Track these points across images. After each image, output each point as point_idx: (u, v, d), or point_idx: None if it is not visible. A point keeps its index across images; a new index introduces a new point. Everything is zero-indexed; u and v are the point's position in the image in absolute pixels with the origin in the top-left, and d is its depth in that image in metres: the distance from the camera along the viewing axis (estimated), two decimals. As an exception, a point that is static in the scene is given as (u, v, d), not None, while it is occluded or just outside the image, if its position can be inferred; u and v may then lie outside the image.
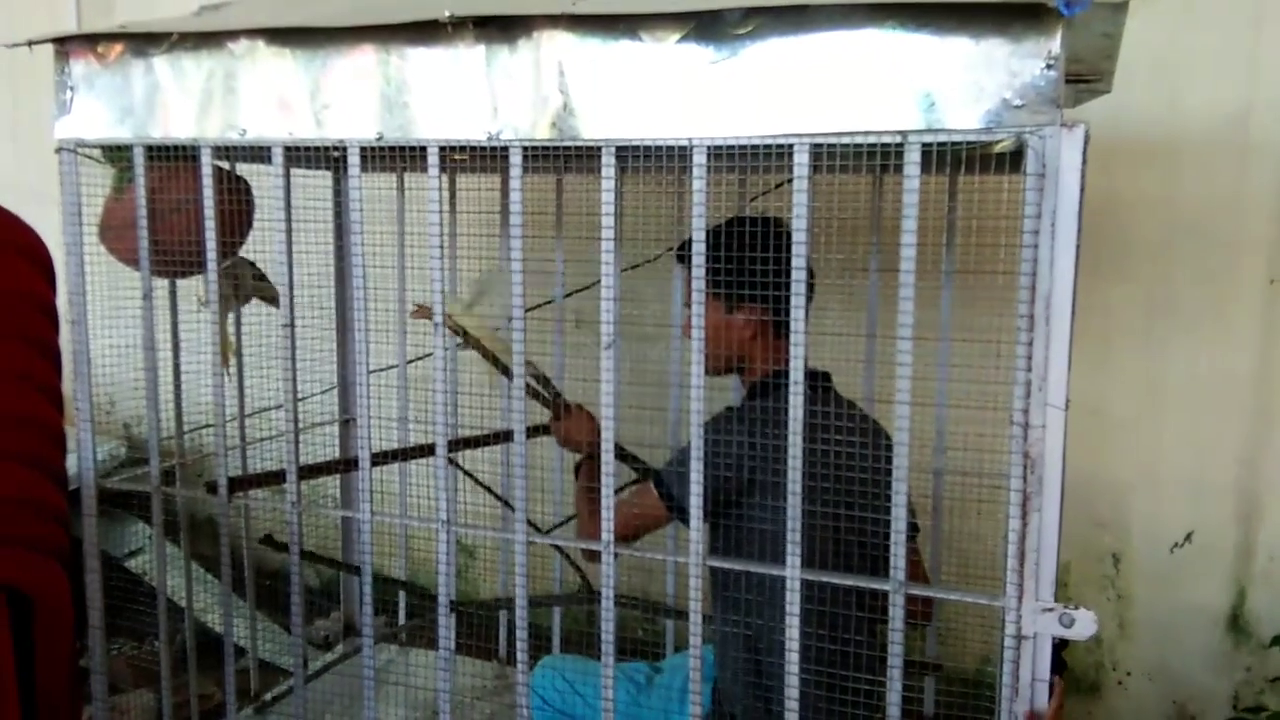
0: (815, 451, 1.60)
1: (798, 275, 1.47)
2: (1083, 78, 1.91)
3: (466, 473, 2.38)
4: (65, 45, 1.85)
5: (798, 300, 1.48)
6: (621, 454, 2.05)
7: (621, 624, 1.69)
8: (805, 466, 1.53)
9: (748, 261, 1.63)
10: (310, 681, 2.56)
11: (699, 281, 1.54)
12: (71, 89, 1.85)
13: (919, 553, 1.90)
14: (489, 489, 2.43)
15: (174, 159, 1.84)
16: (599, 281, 1.61)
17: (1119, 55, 1.79)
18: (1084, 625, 1.40)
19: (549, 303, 2.47)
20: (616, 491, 1.73)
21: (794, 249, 1.46)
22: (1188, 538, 2.74)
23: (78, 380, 1.96)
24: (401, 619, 2.88)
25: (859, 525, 1.62)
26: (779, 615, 1.61)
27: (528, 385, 1.82)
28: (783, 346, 1.66)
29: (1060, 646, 1.46)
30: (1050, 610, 1.41)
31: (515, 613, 1.77)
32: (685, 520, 1.64)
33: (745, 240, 1.63)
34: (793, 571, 1.53)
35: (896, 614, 1.49)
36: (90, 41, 1.83)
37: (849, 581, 1.55)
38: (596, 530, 1.69)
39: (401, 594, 2.84)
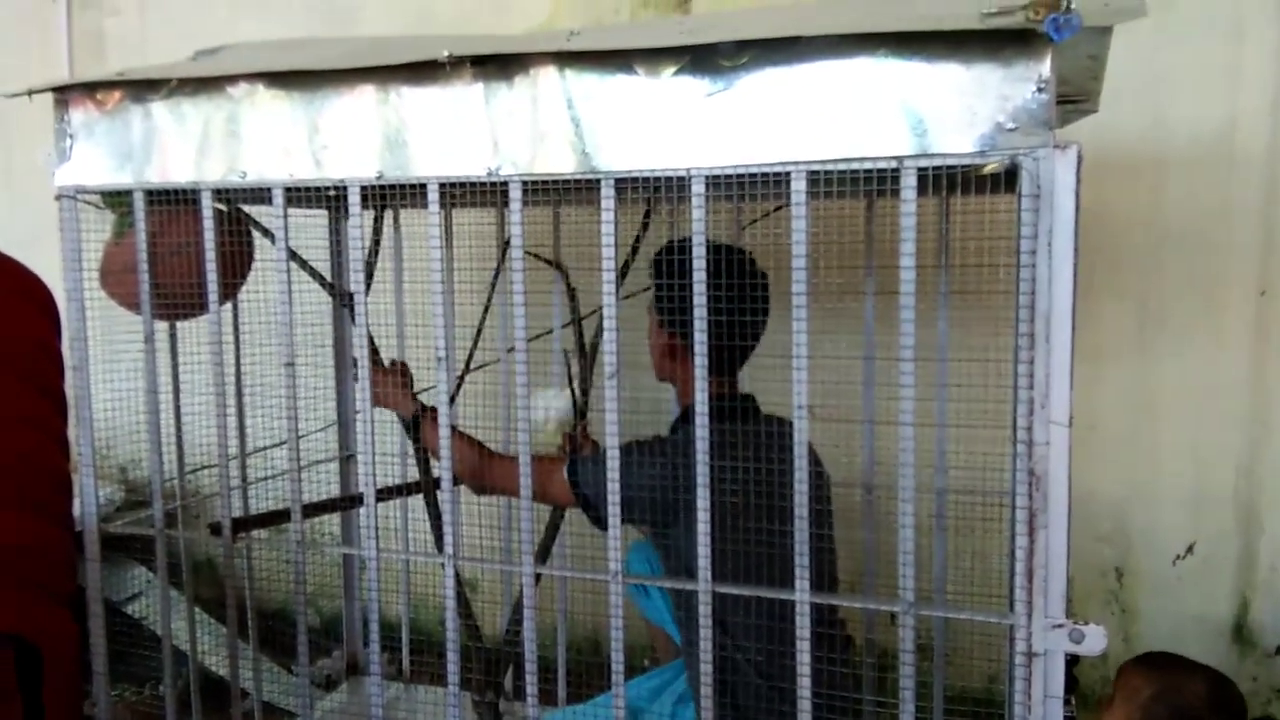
0: (738, 472, 1.67)
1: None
2: (1070, 98, 1.94)
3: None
4: (65, 94, 1.86)
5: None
6: None
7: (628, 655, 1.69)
8: (732, 487, 1.64)
9: (675, 287, 1.71)
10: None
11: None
12: (71, 136, 1.86)
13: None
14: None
15: (174, 203, 1.85)
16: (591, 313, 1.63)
17: (1104, 75, 1.82)
18: (1094, 640, 1.40)
19: (547, 333, 2.48)
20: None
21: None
22: (1189, 549, 2.75)
23: (80, 425, 1.96)
24: (405, 656, 2.86)
25: (786, 539, 1.57)
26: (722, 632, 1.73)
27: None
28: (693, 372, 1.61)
29: (1071, 663, 1.46)
30: (1060, 626, 1.41)
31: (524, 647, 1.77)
32: (591, 517, 1.79)
33: (675, 266, 1.70)
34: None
35: (907, 635, 1.50)
36: (89, 90, 1.84)
37: (840, 600, 1.56)
38: (504, 477, 1.87)
39: (405, 631, 2.83)
